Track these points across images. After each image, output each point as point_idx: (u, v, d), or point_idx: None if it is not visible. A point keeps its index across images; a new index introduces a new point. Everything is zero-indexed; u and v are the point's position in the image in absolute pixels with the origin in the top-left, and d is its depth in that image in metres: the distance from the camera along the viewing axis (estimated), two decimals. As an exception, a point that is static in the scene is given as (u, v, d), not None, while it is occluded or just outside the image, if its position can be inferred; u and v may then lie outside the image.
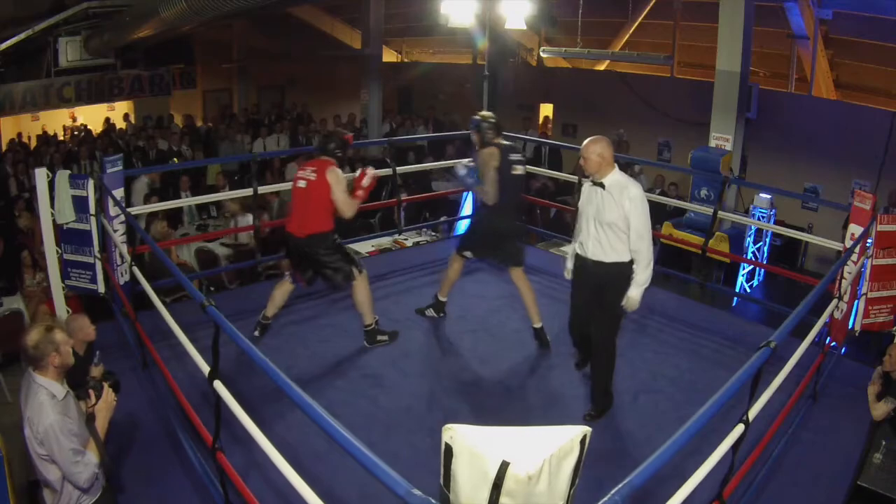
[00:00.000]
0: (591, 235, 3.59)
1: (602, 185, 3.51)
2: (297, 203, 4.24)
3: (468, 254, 4.64)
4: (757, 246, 8.61)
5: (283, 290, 4.47)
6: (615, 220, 3.46)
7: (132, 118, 13.48)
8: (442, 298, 4.90)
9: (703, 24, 9.82)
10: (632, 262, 3.54)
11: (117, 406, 2.85)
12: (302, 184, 4.17)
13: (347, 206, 4.17)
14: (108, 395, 2.76)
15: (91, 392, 2.74)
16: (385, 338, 4.54)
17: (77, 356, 3.36)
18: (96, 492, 2.71)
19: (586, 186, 3.64)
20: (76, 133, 12.52)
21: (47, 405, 2.50)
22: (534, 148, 11.18)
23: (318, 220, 4.19)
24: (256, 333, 4.48)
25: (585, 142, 3.56)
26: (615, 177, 3.50)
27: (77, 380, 2.80)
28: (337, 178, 4.14)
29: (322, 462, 3.12)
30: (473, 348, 4.53)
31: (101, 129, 12.47)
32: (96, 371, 3.00)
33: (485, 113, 4.52)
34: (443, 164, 8.00)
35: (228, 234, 7.66)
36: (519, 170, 4.41)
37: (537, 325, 4.56)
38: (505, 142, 4.42)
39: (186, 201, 7.41)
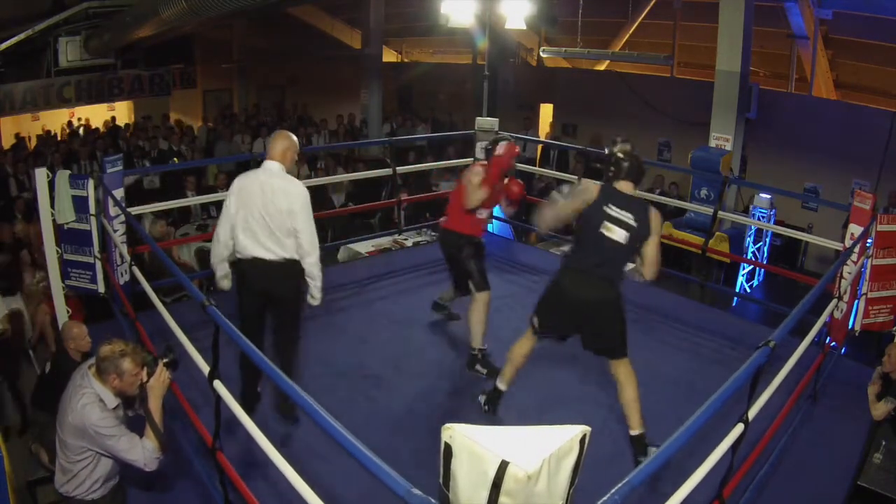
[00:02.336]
0: None
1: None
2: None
3: None
4: (757, 246, 8.61)
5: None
6: None
7: (131, 118, 13.50)
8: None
9: (703, 24, 9.82)
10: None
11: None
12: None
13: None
14: (162, 373, 2.68)
15: (144, 369, 2.67)
16: (483, 371, 4.13)
17: (73, 362, 3.38)
18: (108, 486, 2.74)
19: None
20: (76, 130, 12.52)
21: (95, 405, 2.56)
22: (541, 148, 11.23)
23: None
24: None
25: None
26: None
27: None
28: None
29: (322, 462, 3.12)
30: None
31: (102, 129, 12.48)
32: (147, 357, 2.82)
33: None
34: (443, 164, 8.00)
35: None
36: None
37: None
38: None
39: (186, 201, 7.40)
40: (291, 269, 3.38)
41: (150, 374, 2.68)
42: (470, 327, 4.18)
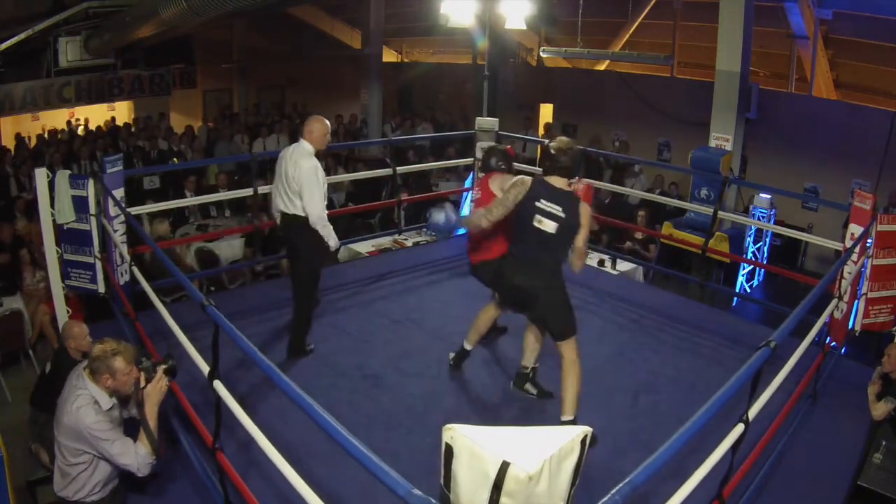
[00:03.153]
0: None
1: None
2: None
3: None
4: (757, 246, 8.60)
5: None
6: None
7: (131, 118, 13.50)
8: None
9: (703, 24, 9.81)
10: None
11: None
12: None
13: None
14: (161, 379, 2.69)
15: (141, 375, 2.66)
16: (533, 392, 3.96)
17: (73, 362, 3.37)
18: (108, 489, 2.72)
19: None
20: (76, 129, 12.53)
21: (90, 408, 2.55)
22: (538, 148, 11.19)
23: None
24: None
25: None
26: None
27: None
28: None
29: (322, 462, 3.11)
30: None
31: (103, 129, 12.48)
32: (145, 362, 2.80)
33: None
34: (443, 164, 8.00)
35: (229, 233, 7.65)
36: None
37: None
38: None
39: (186, 201, 7.41)
40: (300, 225, 4.10)
41: (148, 380, 2.67)
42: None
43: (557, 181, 3.46)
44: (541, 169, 3.60)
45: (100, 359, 2.58)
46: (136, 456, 2.57)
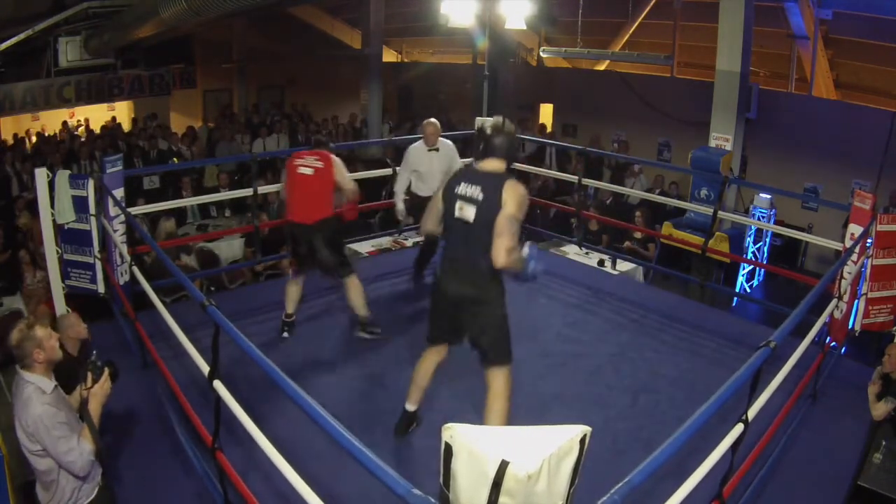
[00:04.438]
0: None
1: (437, 149, 4.98)
2: (301, 191, 4.32)
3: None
4: (757, 246, 8.61)
5: (295, 287, 4.53)
6: (455, 166, 4.87)
7: (131, 118, 13.49)
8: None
9: (703, 24, 9.81)
10: None
11: (117, 405, 2.84)
12: (307, 171, 4.29)
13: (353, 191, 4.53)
14: (106, 380, 2.71)
15: (89, 374, 2.67)
16: (378, 330, 4.59)
17: (70, 356, 3.36)
18: (92, 491, 2.70)
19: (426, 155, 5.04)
20: (75, 132, 12.51)
21: (34, 398, 2.51)
22: (536, 147, 11.20)
23: (325, 206, 4.35)
24: (285, 335, 4.55)
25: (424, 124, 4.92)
26: (442, 141, 5.02)
27: (73, 380, 2.79)
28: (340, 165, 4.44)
29: (322, 462, 3.12)
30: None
31: (102, 130, 12.47)
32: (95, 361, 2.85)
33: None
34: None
35: (229, 233, 7.66)
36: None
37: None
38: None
39: (187, 201, 7.41)
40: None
41: (94, 381, 2.67)
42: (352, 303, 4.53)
43: (489, 164, 2.97)
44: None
45: (23, 339, 2.54)
46: (81, 453, 2.52)
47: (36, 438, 2.50)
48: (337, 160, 4.42)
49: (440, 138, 5.28)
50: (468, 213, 2.89)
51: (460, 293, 3.02)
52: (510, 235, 2.81)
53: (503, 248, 2.81)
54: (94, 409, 2.66)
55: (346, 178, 4.44)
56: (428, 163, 5.28)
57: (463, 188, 2.92)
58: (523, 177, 10.38)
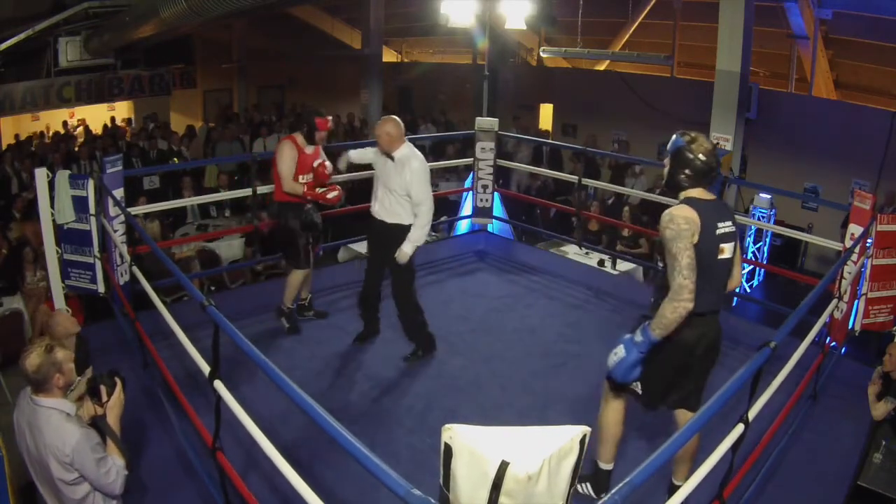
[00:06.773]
0: (378, 198, 4.13)
1: (392, 158, 4.04)
2: None
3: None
4: (757, 246, 8.61)
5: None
6: (396, 187, 4.02)
7: (132, 118, 13.50)
8: None
9: (703, 24, 9.82)
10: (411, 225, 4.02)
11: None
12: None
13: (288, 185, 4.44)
14: (120, 391, 2.62)
15: (102, 389, 2.59)
16: (288, 325, 4.68)
17: None
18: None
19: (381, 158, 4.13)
20: (73, 132, 12.52)
21: (65, 425, 2.37)
22: (532, 148, 11.20)
23: (277, 190, 4.52)
24: (310, 314, 4.87)
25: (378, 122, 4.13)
26: (403, 151, 4.03)
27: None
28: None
29: (322, 462, 3.12)
30: (473, 348, 4.53)
31: (102, 130, 12.48)
32: (88, 372, 2.80)
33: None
34: (443, 164, 7.99)
35: (229, 233, 7.66)
36: None
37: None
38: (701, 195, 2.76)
39: (187, 201, 7.40)
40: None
41: (109, 394, 2.57)
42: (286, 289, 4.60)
43: (705, 193, 2.79)
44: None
45: (43, 364, 2.38)
46: (118, 472, 2.43)
47: (75, 467, 2.37)
48: (282, 143, 4.46)
49: (403, 148, 4.05)
50: (728, 250, 2.72)
51: (714, 340, 2.74)
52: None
53: (739, 274, 2.82)
54: (114, 422, 2.57)
55: (282, 163, 4.37)
56: (380, 168, 4.15)
57: (721, 228, 2.68)
58: (524, 176, 10.39)
